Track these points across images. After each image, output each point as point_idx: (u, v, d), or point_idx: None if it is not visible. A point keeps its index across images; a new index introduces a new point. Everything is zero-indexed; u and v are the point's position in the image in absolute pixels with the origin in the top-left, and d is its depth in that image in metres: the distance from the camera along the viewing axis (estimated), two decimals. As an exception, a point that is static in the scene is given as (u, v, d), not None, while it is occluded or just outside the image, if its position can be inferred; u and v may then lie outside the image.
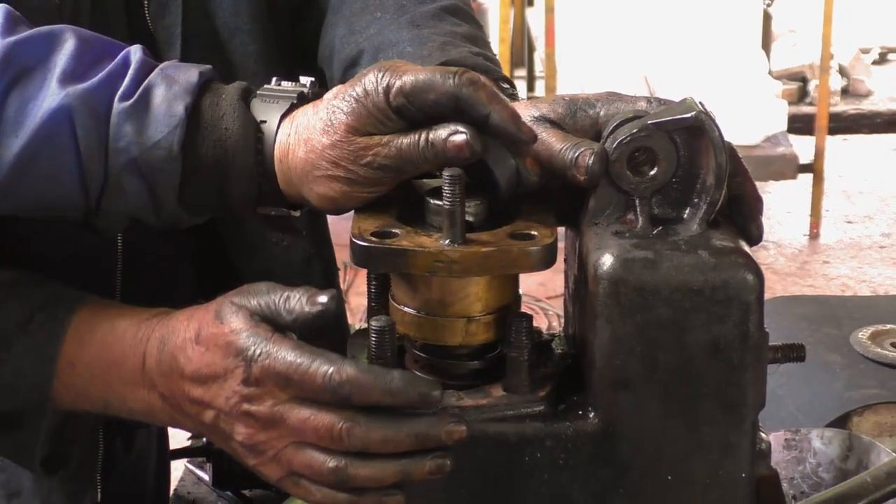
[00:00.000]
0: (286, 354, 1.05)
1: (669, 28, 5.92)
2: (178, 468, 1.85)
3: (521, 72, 7.27)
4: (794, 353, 1.13)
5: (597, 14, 6.15)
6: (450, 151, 1.05)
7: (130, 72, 1.13)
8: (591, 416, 1.06)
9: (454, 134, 1.05)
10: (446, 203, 1.03)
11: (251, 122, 1.13)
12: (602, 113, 1.13)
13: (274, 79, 1.18)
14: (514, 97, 1.30)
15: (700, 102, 1.09)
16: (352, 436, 1.04)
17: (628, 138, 1.07)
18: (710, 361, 1.04)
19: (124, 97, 1.12)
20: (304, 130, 1.11)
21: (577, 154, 1.08)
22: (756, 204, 1.13)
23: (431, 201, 1.08)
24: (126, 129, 1.11)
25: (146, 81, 1.13)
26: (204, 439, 1.74)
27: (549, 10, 5.60)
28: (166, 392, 1.14)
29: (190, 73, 1.14)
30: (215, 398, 1.09)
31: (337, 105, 1.10)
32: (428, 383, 1.04)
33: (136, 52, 1.15)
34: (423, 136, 1.07)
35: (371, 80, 1.09)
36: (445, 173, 1.03)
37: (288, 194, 1.14)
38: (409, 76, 1.07)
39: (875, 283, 5.48)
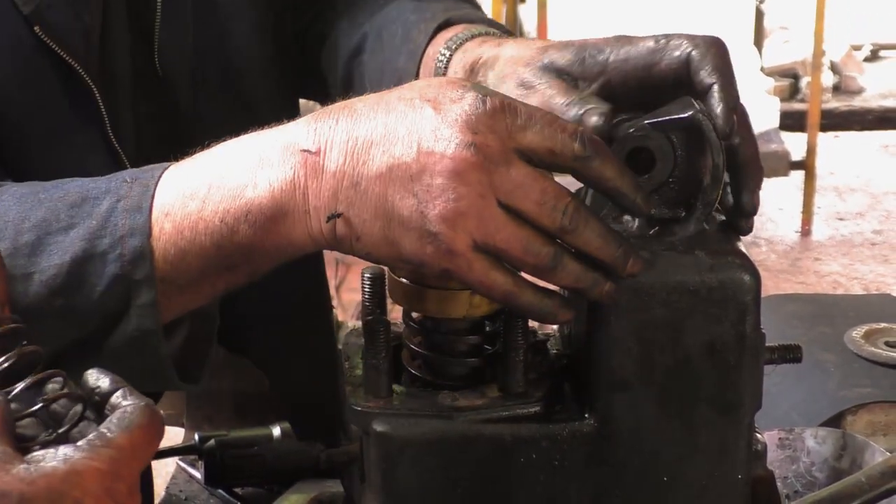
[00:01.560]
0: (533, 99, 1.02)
1: (662, 23, 5.92)
2: (169, 465, 1.84)
3: (513, 67, 7.25)
4: (790, 353, 1.13)
5: (589, 9, 6.15)
6: None
7: None
8: (586, 417, 1.06)
9: None
10: None
11: None
12: (611, 58, 1.11)
13: None
14: None
15: (697, 101, 1.08)
16: (576, 214, 0.97)
17: (625, 138, 1.06)
18: (707, 362, 1.03)
19: None
20: None
21: (581, 112, 1.05)
22: (755, 170, 1.09)
23: None
24: None
25: None
26: (196, 437, 1.73)
27: (542, 6, 5.59)
28: (315, 144, 0.99)
29: None
30: (417, 123, 0.96)
31: None
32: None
33: None
34: None
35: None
36: None
37: None
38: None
39: (867, 280, 5.49)
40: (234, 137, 1.08)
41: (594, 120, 1.05)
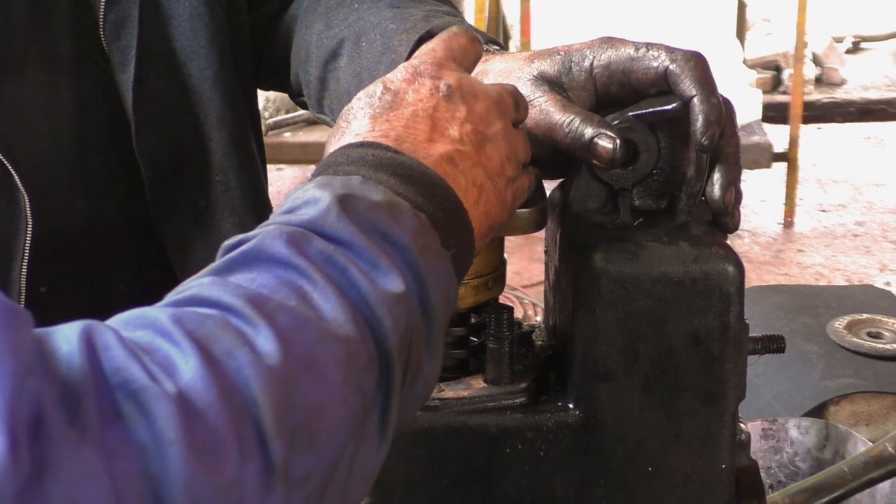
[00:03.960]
0: None
1: (645, 16, 5.93)
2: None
3: (497, 60, 7.24)
4: (774, 344, 1.13)
5: (572, 2, 6.15)
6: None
7: None
8: (571, 407, 1.06)
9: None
10: None
11: None
12: (595, 63, 1.10)
13: None
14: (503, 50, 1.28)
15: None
16: None
17: (609, 130, 1.07)
18: (691, 353, 1.04)
19: None
20: None
21: (594, 136, 1.05)
22: (729, 168, 1.09)
23: None
24: None
25: None
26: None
27: (525, -2, 5.59)
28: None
29: None
30: None
31: None
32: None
33: None
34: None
35: None
36: None
37: None
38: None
39: (849, 272, 5.50)
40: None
41: (608, 147, 1.05)
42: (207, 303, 0.76)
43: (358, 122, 0.95)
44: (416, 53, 1.03)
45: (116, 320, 0.74)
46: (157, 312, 0.74)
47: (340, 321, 0.78)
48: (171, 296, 0.78)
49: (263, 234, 0.81)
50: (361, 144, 0.92)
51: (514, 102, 1.01)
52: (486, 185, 0.95)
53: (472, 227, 0.93)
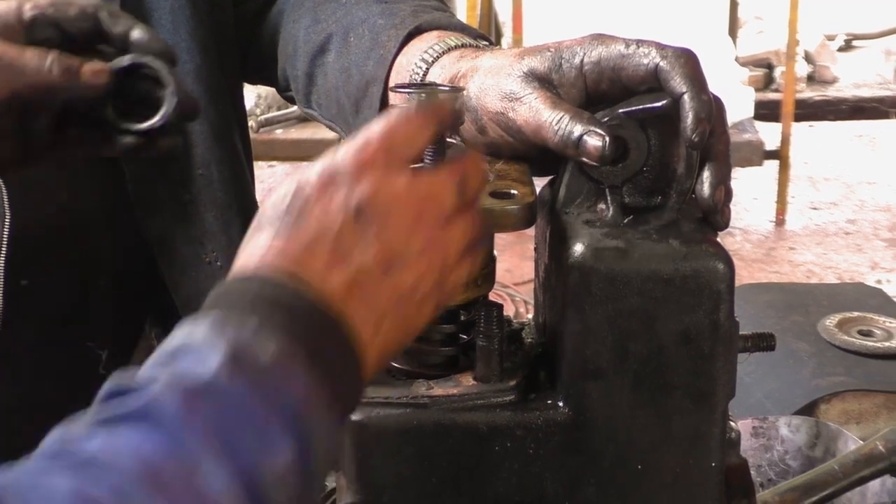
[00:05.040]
0: None
1: (637, 14, 5.93)
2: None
3: (489, 57, 7.24)
4: (764, 342, 1.13)
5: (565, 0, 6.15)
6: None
7: None
8: (561, 405, 1.06)
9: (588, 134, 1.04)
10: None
11: None
12: (585, 60, 1.10)
13: None
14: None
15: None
16: None
17: (599, 127, 1.06)
18: (681, 351, 1.04)
19: None
20: None
21: (583, 133, 1.05)
22: (719, 166, 1.08)
23: None
24: None
25: None
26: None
27: (517, -4, 5.59)
28: None
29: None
30: None
31: None
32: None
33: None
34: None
35: None
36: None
37: None
38: None
39: (840, 270, 5.51)
40: None
41: (597, 145, 1.04)
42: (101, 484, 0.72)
43: (263, 235, 0.89)
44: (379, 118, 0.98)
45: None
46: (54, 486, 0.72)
47: (231, 496, 0.76)
48: (62, 455, 0.75)
49: (154, 393, 0.78)
50: (260, 279, 0.87)
51: (457, 188, 0.93)
52: (389, 312, 0.90)
53: (361, 374, 0.88)
